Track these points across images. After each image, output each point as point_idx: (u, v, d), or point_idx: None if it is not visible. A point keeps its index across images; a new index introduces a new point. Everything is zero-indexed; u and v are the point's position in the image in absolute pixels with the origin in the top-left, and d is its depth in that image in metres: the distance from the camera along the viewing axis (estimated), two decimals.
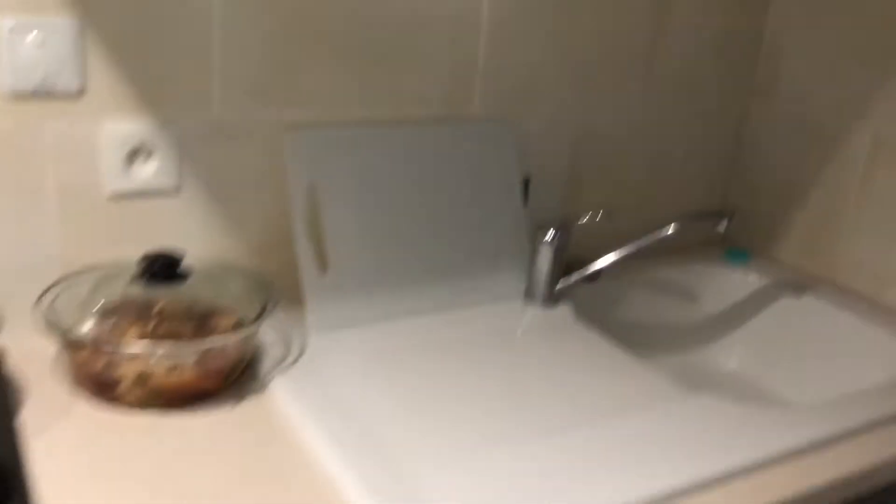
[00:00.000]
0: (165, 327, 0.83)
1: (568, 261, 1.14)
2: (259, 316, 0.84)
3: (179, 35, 0.88)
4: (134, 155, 0.89)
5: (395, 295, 1.01)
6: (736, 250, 1.34)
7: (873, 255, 1.20)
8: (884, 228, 1.18)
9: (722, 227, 1.05)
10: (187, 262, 0.88)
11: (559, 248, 1.08)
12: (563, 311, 1.08)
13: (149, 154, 0.90)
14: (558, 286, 1.09)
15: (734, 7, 1.27)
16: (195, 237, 0.95)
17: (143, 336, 0.81)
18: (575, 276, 1.10)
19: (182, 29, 0.88)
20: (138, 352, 0.78)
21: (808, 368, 1.18)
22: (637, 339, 1.23)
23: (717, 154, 1.36)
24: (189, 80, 0.90)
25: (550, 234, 1.07)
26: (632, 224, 1.19)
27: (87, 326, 0.83)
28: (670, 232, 1.05)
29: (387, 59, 1.01)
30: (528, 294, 1.09)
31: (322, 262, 0.96)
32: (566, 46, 1.13)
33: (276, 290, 0.88)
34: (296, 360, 0.89)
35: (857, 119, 1.20)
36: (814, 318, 1.20)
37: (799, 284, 1.24)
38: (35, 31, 0.81)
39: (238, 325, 0.86)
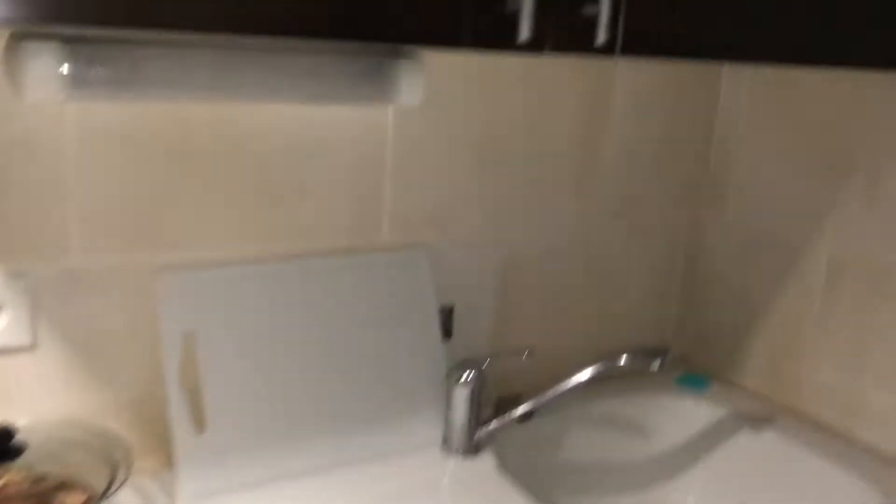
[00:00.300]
0: None
1: (499, 399, 1.03)
2: (104, 494, 0.74)
3: (28, 176, 0.80)
4: None
5: (289, 452, 0.90)
6: (692, 376, 1.22)
7: (839, 381, 1.08)
8: (847, 352, 1.07)
9: (655, 366, 0.94)
10: (42, 426, 0.79)
11: (476, 389, 0.97)
12: (485, 461, 0.96)
13: None
14: (480, 432, 0.98)
15: (679, 117, 1.19)
16: (55, 396, 0.85)
17: None
18: (502, 419, 0.99)
19: (30, 169, 0.80)
20: None
21: None
22: (580, 481, 1.10)
23: (667, 273, 1.25)
24: (41, 226, 0.81)
25: (466, 374, 0.96)
26: (571, 356, 1.08)
27: None
28: (593, 374, 0.95)
29: (276, 191, 0.92)
30: (446, 443, 0.98)
31: (199, 420, 0.86)
32: (484, 167, 1.05)
33: (132, 458, 0.78)
34: None
35: (812, 236, 1.10)
36: (777, 456, 1.07)
37: (760, 416, 1.11)
38: None
39: (89, 503, 0.75)
